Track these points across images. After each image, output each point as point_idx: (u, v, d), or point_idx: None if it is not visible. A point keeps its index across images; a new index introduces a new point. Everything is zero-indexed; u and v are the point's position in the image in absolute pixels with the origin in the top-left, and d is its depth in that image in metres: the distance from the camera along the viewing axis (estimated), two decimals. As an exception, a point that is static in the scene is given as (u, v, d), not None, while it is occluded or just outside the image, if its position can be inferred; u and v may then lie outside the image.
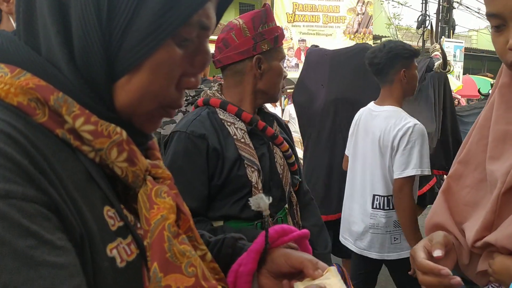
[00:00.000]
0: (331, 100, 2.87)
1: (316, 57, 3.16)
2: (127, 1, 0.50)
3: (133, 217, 0.56)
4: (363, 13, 13.55)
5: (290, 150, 1.50)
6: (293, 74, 9.95)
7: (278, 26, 1.42)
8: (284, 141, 1.49)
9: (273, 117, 1.55)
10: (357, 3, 13.46)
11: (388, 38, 16.23)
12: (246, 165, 1.37)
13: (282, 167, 1.47)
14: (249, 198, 0.66)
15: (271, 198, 0.64)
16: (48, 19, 0.51)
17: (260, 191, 1.37)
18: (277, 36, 1.41)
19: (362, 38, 13.67)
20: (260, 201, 0.66)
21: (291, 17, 12.85)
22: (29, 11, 0.53)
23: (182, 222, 0.59)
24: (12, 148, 0.43)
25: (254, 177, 1.37)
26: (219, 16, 0.62)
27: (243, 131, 1.40)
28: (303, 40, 13.16)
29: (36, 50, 0.52)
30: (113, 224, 0.52)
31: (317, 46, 3.40)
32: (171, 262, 0.53)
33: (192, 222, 0.62)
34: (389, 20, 17.06)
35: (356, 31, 13.53)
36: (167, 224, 0.54)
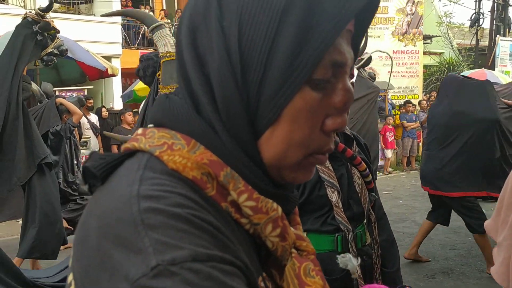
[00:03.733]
0: (448, 104, 4.63)
1: (450, 78, 5.40)
2: (258, 53, 0.50)
3: (271, 285, 0.55)
4: (413, 13, 13.25)
5: (367, 169, 1.58)
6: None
7: None
8: (362, 161, 1.57)
9: (353, 138, 1.64)
10: (407, 3, 13.17)
11: (439, 38, 15.78)
12: (326, 186, 1.48)
13: (360, 186, 1.56)
14: (337, 256, 0.66)
15: (359, 259, 0.63)
16: (199, 95, 0.53)
17: (340, 210, 1.47)
18: None
19: (412, 39, 13.39)
20: (349, 262, 0.64)
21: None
22: (183, 70, 0.54)
23: None
24: (203, 220, 0.46)
25: (334, 197, 1.48)
26: (356, 47, 0.58)
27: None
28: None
29: (195, 110, 0.53)
30: None
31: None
32: None
33: None
34: (440, 18, 16.57)
35: (405, 32, 13.25)
36: None
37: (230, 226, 0.50)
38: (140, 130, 0.55)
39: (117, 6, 11.63)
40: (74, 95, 6.29)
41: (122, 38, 12.18)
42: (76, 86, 8.82)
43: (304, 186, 1.47)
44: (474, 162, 4.31)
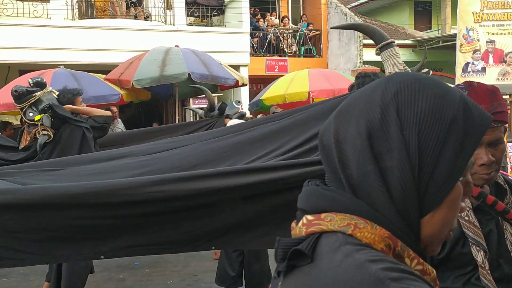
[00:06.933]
0: None
1: None
2: (430, 155, 0.62)
3: None
4: None
5: None
6: (479, 79, 8.97)
7: None
8: None
9: (508, 188, 1.43)
10: (561, -6, 11.49)
11: None
12: (470, 244, 1.32)
13: None
14: None
15: None
16: (375, 185, 0.63)
17: (487, 272, 1.30)
18: None
19: None
20: None
21: (479, 16, 11.65)
22: (343, 166, 0.66)
23: None
24: (417, 275, 0.59)
25: (479, 256, 1.31)
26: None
27: (467, 209, 1.34)
28: (492, 41, 11.77)
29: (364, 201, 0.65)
30: None
31: None
32: None
33: None
34: None
35: (561, 27, 11.56)
36: None
37: None
38: (310, 217, 0.65)
39: (246, 17, 12.12)
40: (234, 104, 6.21)
41: (250, 46, 12.62)
42: (208, 94, 9.41)
43: (444, 241, 1.32)
44: None
